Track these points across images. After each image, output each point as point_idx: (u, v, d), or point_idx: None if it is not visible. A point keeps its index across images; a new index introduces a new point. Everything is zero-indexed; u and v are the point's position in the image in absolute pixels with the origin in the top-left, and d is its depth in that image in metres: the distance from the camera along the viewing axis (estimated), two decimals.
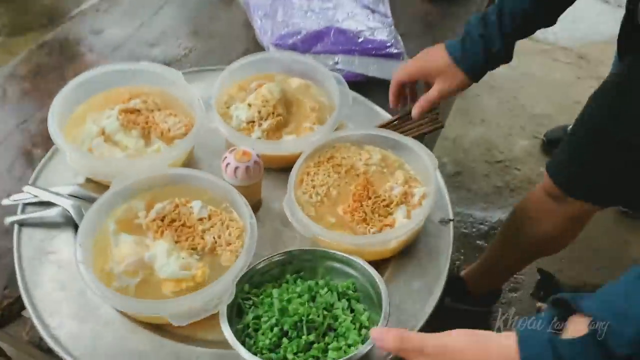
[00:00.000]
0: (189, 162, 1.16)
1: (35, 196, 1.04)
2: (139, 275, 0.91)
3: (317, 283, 0.91)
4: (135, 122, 1.12)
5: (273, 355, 0.81)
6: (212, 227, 0.98)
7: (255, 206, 1.12)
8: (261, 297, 0.90)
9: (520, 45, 1.14)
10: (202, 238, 0.97)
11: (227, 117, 1.19)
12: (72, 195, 1.05)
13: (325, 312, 0.86)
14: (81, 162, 1.01)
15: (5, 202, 1.05)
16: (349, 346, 0.83)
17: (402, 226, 0.98)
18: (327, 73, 1.24)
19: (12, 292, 0.96)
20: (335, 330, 0.86)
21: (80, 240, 0.90)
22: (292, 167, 1.08)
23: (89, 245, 0.92)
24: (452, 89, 1.16)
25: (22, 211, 1.04)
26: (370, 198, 1.04)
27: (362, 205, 1.02)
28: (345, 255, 0.93)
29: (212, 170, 1.15)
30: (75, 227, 1.02)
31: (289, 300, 0.86)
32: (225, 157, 1.02)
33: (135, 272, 0.91)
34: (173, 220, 0.98)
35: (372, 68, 1.39)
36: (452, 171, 2.65)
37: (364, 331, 0.86)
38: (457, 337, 0.66)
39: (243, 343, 0.82)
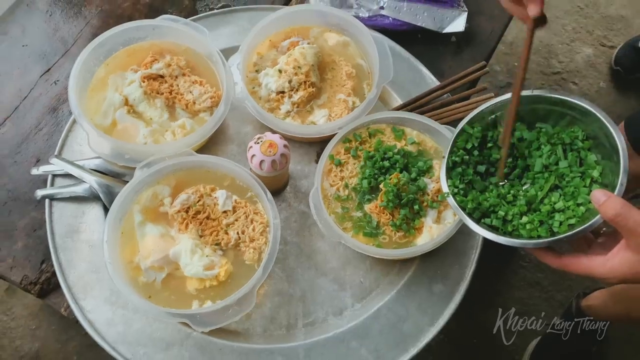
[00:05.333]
0: (215, 132, 1.11)
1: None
2: (164, 271, 0.94)
3: (539, 132, 0.89)
4: (159, 90, 1.06)
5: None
6: (236, 220, 0.97)
7: (283, 186, 1.09)
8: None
9: None
10: (226, 233, 0.97)
11: (255, 83, 1.11)
12: (96, 170, 1.04)
13: (546, 173, 0.85)
14: (103, 146, 0.97)
15: (34, 172, 1.06)
16: (579, 205, 0.80)
17: (425, 244, 0.94)
18: (366, 32, 1.11)
19: (48, 266, 1.02)
20: (562, 189, 0.83)
21: (107, 235, 0.91)
22: (322, 141, 1.02)
23: (116, 236, 0.94)
24: None
25: (52, 183, 1.05)
26: (400, 197, 0.99)
27: (390, 205, 0.98)
28: (568, 98, 0.85)
29: (239, 139, 1.12)
30: (102, 204, 1.03)
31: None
32: (251, 147, 0.97)
33: (161, 267, 0.94)
34: (198, 212, 0.97)
35: (421, 17, 1.23)
36: (504, 82, 2.46)
37: (595, 186, 0.80)
38: None
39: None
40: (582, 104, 0.83)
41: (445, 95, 1.15)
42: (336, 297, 1.01)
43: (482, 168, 0.92)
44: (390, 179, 0.99)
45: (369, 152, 1.03)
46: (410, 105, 1.13)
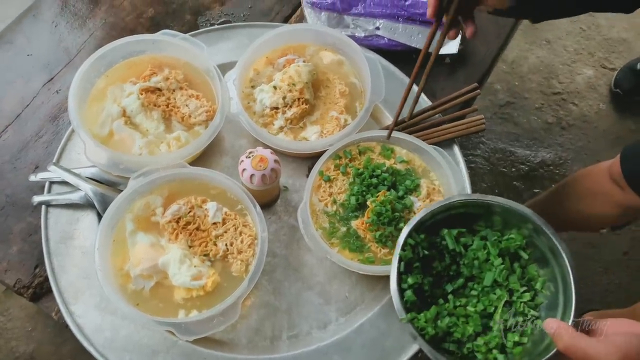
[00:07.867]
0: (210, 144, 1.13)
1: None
2: (153, 279, 0.96)
3: (483, 240, 0.90)
4: (156, 103, 1.09)
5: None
6: (225, 232, 1.00)
7: (273, 199, 1.11)
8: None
9: None
10: (215, 244, 0.99)
11: (251, 99, 1.14)
12: (92, 179, 1.07)
13: (497, 289, 0.86)
14: (99, 156, 1.00)
15: (32, 178, 1.09)
16: (525, 321, 0.83)
17: None
18: (360, 52, 1.13)
19: (42, 271, 1.04)
20: (511, 305, 0.85)
21: (99, 243, 0.93)
22: (314, 157, 1.05)
23: (107, 244, 0.96)
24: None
25: (49, 190, 1.08)
26: (386, 215, 1.01)
27: (377, 222, 1.00)
28: (506, 203, 0.88)
29: (234, 152, 1.15)
30: (97, 212, 1.06)
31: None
32: (242, 161, 0.99)
33: (150, 276, 0.96)
34: (188, 223, 1.00)
35: (416, 38, 1.26)
36: (504, 101, 2.48)
37: (538, 299, 0.85)
38: None
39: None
40: (515, 207, 0.87)
41: (437, 116, 1.17)
42: (321, 311, 1.02)
43: (429, 280, 0.89)
44: (377, 197, 1.01)
45: (358, 169, 1.05)
46: (401, 125, 1.16)
